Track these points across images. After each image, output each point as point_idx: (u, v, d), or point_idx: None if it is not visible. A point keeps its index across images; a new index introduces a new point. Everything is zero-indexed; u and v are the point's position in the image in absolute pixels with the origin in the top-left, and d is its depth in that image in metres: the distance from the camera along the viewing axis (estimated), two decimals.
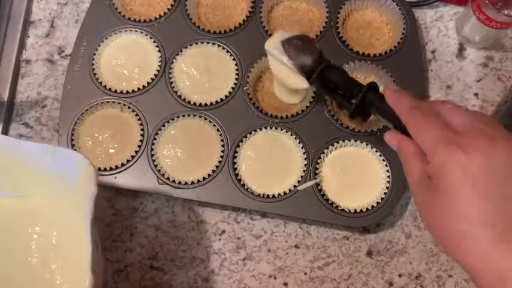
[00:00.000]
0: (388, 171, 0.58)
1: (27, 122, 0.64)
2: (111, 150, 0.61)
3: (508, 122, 0.58)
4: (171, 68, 0.63)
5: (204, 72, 0.63)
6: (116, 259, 0.59)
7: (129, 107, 0.62)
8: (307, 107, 0.61)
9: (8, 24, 0.68)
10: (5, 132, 0.64)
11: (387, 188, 0.58)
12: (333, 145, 0.59)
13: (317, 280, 0.57)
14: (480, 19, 0.60)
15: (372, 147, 0.59)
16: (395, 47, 0.63)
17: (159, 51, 0.64)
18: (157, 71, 0.63)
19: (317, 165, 0.59)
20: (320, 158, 0.59)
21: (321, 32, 0.64)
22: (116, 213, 0.60)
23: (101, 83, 0.63)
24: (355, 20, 0.66)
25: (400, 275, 0.57)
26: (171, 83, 0.63)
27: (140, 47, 0.65)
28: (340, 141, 0.59)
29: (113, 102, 0.62)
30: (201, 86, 0.63)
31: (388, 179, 0.58)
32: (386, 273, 0.58)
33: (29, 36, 0.69)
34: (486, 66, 0.65)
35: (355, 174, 0.59)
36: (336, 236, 0.59)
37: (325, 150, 0.59)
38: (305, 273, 0.58)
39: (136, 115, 0.62)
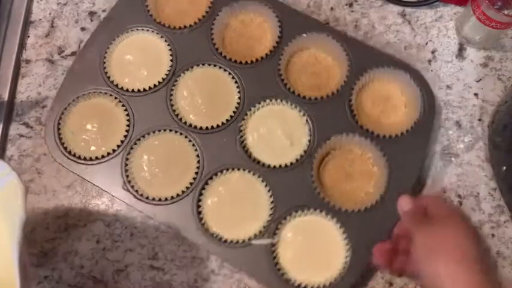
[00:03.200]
0: (347, 257, 0.55)
1: (27, 122, 0.64)
2: (92, 141, 0.61)
3: (508, 122, 0.58)
4: (176, 81, 0.62)
5: (207, 95, 0.62)
6: (116, 259, 0.59)
7: (123, 105, 0.62)
8: (291, 163, 0.59)
9: (8, 24, 0.68)
10: (5, 132, 0.64)
11: (340, 275, 0.54)
12: (303, 211, 0.56)
13: None
14: (480, 19, 0.60)
15: (340, 227, 0.56)
16: (402, 133, 0.59)
17: (171, 60, 0.63)
18: (163, 79, 0.62)
19: (279, 225, 0.56)
20: (286, 218, 0.56)
21: (333, 93, 0.61)
22: (115, 214, 0.60)
23: (106, 72, 0.63)
24: (375, 90, 0.62)
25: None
26: (171, 95, 0.61)
27: (155, 51, 0.64)
28: (312, 209, 0.56)
29: (110, 95, 0.62)
30: (198, 107, 0.61)
31: (344, 266, 0.55)
32: (386, 272, 0.58)
33: (29, 36, 0.69)
34: (486, 66, 0.65)
35: (315, 248, 0.56)
36: None
37: (294, 213, 0.56)
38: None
39: (127, 115, 0.61)
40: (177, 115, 0.61)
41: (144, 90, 0.62)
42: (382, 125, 0.61)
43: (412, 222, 0.48)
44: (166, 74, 0.63)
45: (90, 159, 0.59)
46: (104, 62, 0.63)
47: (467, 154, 0.62)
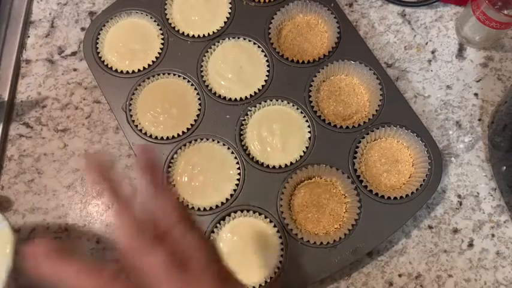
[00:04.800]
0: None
1: (27, 122, 0.64)
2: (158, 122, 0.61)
3: (508, 122, 0.58)
4: (214, 45, 0.64)
5: (237, 67, 0.63)
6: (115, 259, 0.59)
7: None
8: (273, 166, 0.59)
9: (8, 24, 0.68)
10: (5, 132, 0.64)
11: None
12: (248, 211, 0.57)
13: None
14: (480, 19, 0.60)
15: (280, 237, 0.56)
16: (389, 198, 0.57)
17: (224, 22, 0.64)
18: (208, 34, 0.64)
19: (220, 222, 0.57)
20: (229, 216, 0.57)
21: (347, 126, 0.60)
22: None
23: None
24: (385, 147, 0.60)
25: (400, 275, 0.57)
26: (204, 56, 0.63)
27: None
28: (261, 215, 0.57)
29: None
30: (225, 76, 0.63)
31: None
32: (386, 273, 0.58)
33: (29, 36, 0.69)
34: (486, 66, 0.65)
35: (250, 249, 0.56)
36: None
37: (239, 212, 0.57)
38: None
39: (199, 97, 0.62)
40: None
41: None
42: (380, 183, 0.59)
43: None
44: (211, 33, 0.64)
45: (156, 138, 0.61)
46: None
47: (467, 154, 0.62)
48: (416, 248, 0.58)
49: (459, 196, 0.60)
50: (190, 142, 0.60)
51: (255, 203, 0.58)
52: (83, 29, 0.68)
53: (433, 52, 0.66)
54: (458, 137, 0.62)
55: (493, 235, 0.59)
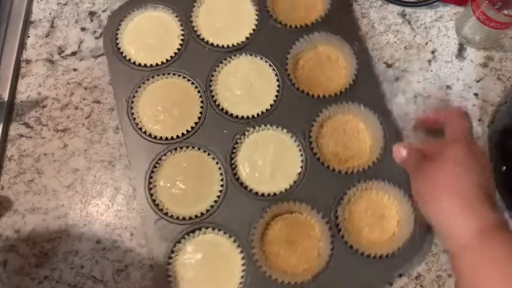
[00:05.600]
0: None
1: (27, 122, 0.64)
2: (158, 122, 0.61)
3: (508, 122, 0.58)
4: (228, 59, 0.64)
5: (247, 85, 0.63)
6: (116, 259, 0.59)
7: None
8: (256, 193, 0.59)
9: (8, 24, 0.68)
10: (5, 132, 0.64)
11: None
12: (213, 229, 0.57)
13: None
14: (480, 19, 0.60)
15: (242, 258, 0.56)
16: (362, 254, 0.56)
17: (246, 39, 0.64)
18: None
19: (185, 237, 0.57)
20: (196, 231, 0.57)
21: (337, 175, 0.59)
22: (116, 213, 0.60)
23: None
24: (373, 200, 0.58)
25: (400, 275, 0.57)
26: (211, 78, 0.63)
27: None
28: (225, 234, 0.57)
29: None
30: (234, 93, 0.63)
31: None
32: None
33: (29, 36, 0.69)
34: (486, 66, 0.65)
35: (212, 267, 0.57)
36: None
37: (204, 230, 0.57)
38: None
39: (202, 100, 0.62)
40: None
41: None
42: (360, 234, 0.57)
43: (410, 169, 0.54)
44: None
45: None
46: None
47: None
48: None
49: None
50: (181, 148, 0.60)
51: (228, 224, 0.57)
52: (83, 29, 0.68)
53: (433, 52, 0.66)
54: None
55: None
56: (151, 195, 0.58)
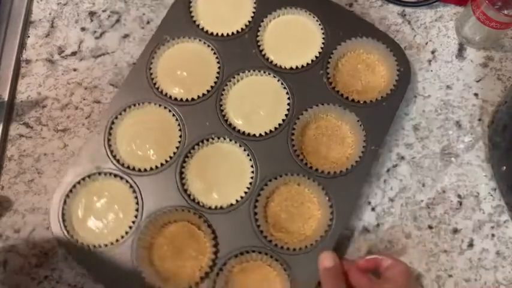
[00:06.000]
0: None
1: (27, 122, 0.64)
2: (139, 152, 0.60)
3: (508, 122, 0.58)
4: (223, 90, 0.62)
5: (257, 106, 0.61)
6: None
7: (173, 115, 0.61)
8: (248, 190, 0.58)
9: (8, 24, 0.68)
10: (5, 132, 0.64)
11: None
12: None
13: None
14: (480, 19, 0.60)
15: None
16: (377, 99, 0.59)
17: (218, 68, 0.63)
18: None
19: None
20: None
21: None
22: None
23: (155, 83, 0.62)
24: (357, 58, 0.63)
25: None
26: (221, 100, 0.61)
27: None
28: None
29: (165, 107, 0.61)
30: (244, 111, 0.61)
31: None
32: None
33: (29, 36, 0.69)
34: (486, 66, 0.65)
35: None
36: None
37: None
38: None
39: (179, 125, 0.60)
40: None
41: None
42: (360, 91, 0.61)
43: (330, 284, 0.51)
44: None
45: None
46: (151, 73, 0.62)
47: (467, 154, 0.62)
48: (417, 248, 0.58)
49: (459, 196, 0.60)
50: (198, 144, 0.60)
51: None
52: (83, 29, 0.68)
53: (433, 52, 0.66)
54: (458, 137, 0.62)
55: (493, 235, 0.59)
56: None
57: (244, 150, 0.59)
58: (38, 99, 0.65)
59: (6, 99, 0.64)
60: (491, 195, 0.60)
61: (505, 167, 0.58)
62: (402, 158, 0.62)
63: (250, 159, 0.58)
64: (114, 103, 0.61)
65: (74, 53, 0.67)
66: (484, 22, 0.59)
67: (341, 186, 0.56)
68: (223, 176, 0.58)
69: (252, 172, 0.58)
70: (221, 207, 0.57)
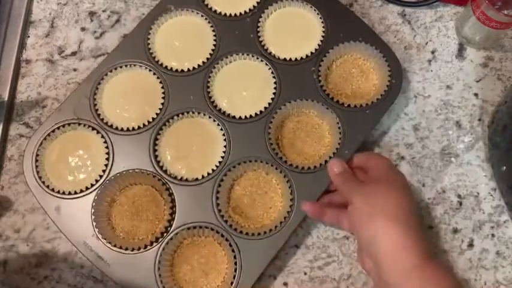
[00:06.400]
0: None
1: (27, 122, 0.64)
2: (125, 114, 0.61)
3: (508, 122, 0.58)
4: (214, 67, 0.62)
5: (243, 89, 0.61)
6: None
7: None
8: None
9: (8, 24, 0.68)
10: (5, 132, 0.64)
11: None
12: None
13: (317, 280, 0.57)
14: (480, 19, 0.60)
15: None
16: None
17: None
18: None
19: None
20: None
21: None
22: None
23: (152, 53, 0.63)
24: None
25: None
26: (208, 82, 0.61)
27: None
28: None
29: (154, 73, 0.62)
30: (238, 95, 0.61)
31: None
32: None
33: (29, 36, 0.69)
34: (486, 66, 0.65)
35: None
36: (336, 236, 0.59)
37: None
38: (305, 273, 0.58)
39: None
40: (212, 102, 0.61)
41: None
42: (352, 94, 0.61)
43: (345, 187, 0.53)
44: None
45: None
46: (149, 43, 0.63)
47: (467, 154, 0.62)
48: None
49: (459, 196, 0.60)
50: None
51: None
52: (83, 29, 0.68)
53: (433, 52, 0.66)
54: (458, 137, 0.62)
55: (493, 235, 0.59)
56: None
57: (221, 129, 0.60)
58: (38, 99, 0.65)
59: (6, 99, 0.64)
60: (491, 195, 0.60)
61: (505, 167, 0.58)
62: (402, 158, 0.62)
63: (225, 140, 0.59)
64: (108, 60, 0.62)
65: (74, 53, 0.67)
66: (484, 22, 0.59)
67: (306, 182, 0.57)
68: (195, 150, 0.60)
69: (224, 152, 0.59)
70: (186, 180, 0.58)
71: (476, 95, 0.64)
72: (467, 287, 0.57)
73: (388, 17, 0.68)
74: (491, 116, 0.63)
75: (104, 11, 0.69)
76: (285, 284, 0.58)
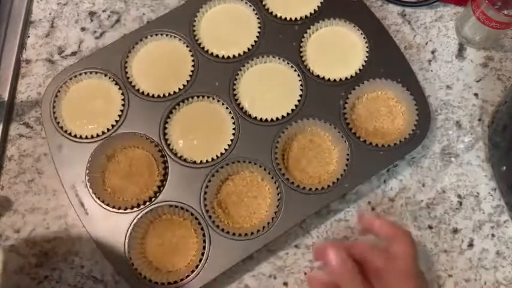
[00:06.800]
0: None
1: (27, 122, 0.64)
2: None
3: (508, 122, 0.58)
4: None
5: (267, 92, 0.62)
6: None
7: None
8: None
9: (8, 24, 0.68)
10: (5, 132, 0.64)
11: None
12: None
13: None
14: (480, 19, 0.60)
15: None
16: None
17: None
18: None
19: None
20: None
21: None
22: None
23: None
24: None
25: None
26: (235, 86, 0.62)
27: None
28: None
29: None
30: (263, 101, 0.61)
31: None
32: None
33: (29, 36, 0.69)
34: (486, 66, 0.65)
35: None
36: (336, 236, 0.59)
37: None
38: (305, 273, 0.58)
39: None
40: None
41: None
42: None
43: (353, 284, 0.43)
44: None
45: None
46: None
47: (467, 154, 0.62)
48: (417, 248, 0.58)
49: (459, 196, 0.60)
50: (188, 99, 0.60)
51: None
52: (83, 29, 0.68)
53: (433, 52, 0.66)
54: (458, 137, 0.62)
55: (493, 235, 0.59)
56: None
57: (233, 123, 0.60)
58: (38, 99, 0.65)
59: (6, 99, 0.64)
60: (491, 195, 0.60)
61: (505, 167, 0.58)
62: (402, 157, 0.62)
63: (234, 134, 0.59)
64: (152, 24, 0.64)
65: (74, 53, 0.67)
66: (484, 22, 0.59)
67: (297, 200, 0.56)
68: (202, 134, 0.60)
69: (228, 146, 0.59)
70: (185, 160, 0.59)
71: (476, 95, 0.64)
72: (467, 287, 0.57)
73: (388, 17, 0.68)
74: (491, 116, 0.63)
75: (104, 11, 0.69)
76: (285, 284, 0.58)
